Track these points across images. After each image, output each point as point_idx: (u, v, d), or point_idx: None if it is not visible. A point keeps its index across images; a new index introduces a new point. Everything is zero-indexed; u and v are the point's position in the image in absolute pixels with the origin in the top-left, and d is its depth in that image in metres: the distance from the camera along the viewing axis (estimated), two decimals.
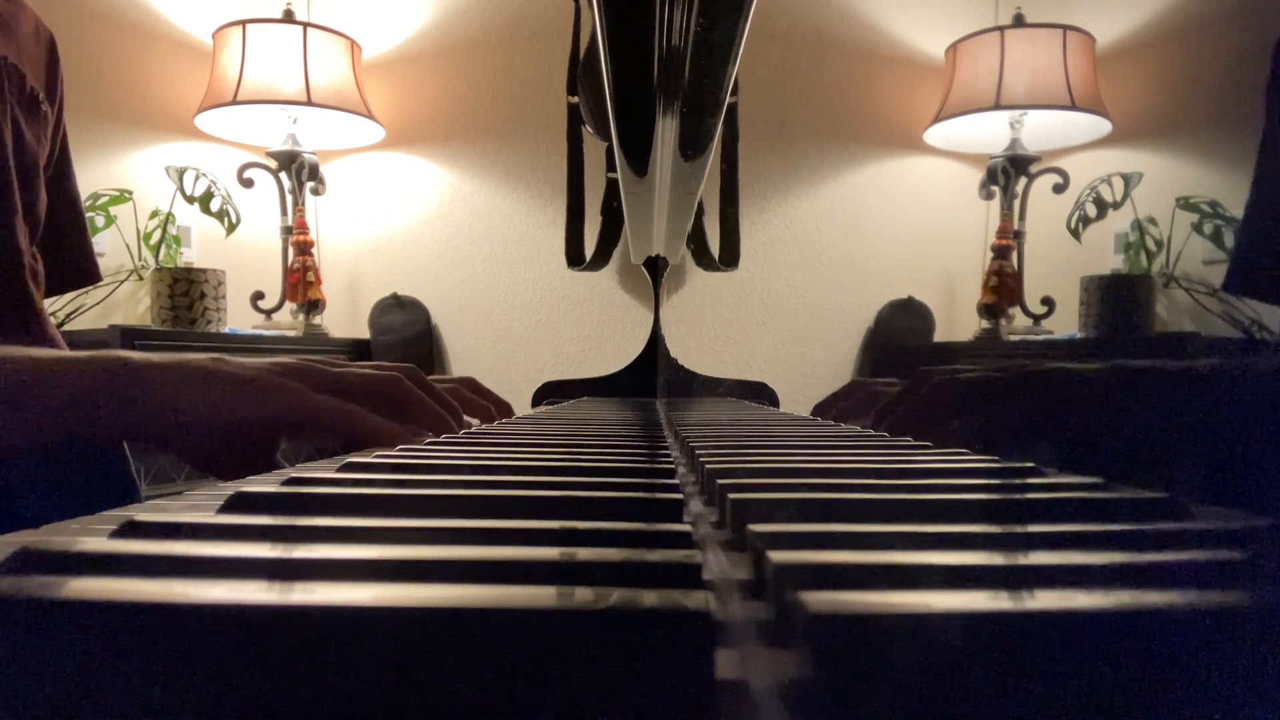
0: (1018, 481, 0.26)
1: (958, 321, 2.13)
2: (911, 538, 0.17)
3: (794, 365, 2.10)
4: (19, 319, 0.57)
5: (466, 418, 0.56)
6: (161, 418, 0.42)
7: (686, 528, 0.17)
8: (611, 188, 1.35)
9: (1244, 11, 1.73)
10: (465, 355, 2.13)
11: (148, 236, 1.81)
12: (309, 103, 1.83)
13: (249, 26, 1.82)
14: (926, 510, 0.20)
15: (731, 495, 0.21)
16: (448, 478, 0.25)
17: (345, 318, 2.14)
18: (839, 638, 0.10)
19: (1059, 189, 1.94)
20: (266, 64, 1.81)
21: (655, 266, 1.22)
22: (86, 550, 0.14)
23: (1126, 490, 0.22)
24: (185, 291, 1.74)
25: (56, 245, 0.65)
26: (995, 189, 1.98)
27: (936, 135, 2.01)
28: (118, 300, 1.84)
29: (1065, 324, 1.94)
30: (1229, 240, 1.70)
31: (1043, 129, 1.93)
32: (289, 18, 1.90)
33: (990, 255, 1.97)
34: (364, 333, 2.09)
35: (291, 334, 1.95)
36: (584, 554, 0.15)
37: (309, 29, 1.86)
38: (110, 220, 1.74)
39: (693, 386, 1.23)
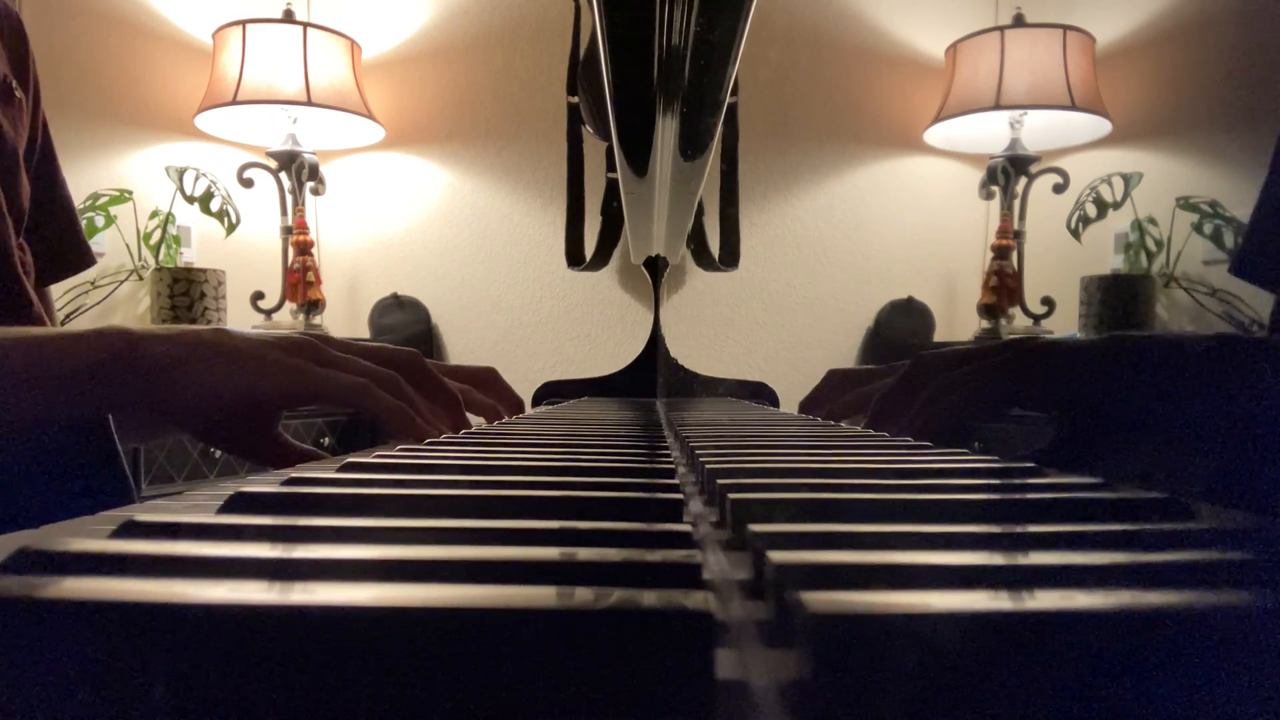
0: (1018, 481, 0.26)
1: (958, 321, 2.13)
2: (912, 538, 0.17)
3: (794, 365, 2.10)
4: (10, 311, 0.56)
5: (470, 415, 0.57)
6: (162, 389, 0.42)
7: (686, 528, 0.17)
8: (611, 188, 1.35)
9: (1244, 12, 1.73)
10: (465, 355, 2.13)
11: (148, 236, 1.81)
12: (309, 103, 1.83)
13: (249, 26, 1.82)
14: (927, 510, 0.20)
15: (731, 495, 0.21)
16: (448, 478, 0.25)
17: (345, 318, 2.14)
18: (839, 638, 0.10)
19: (1059, 189, 1.94)
20: (266, 64, 1.81)
21: (655, 266, 1.22)
22: (86, 550, 0.14)
23: (1127, 490, 0.22)
24: (185, 291, 1.75)
25: (44, 234, 0.64)
26: (995, 189, 1.98)
27: (936, 135, 2.01)
28: (118, 300, 1.84)
29: (1065, 324, 1.94)
30: (1229, 240, 1.70)
31: (1043, 129, 1.93)
32: (289, 18, 1.90)
33: (990, 255, 1.97)
34: (364, 333, 2.09)
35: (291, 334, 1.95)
36: (584, 554, 0.15)
37: (309, 29, 1.86)
38: (110, 220, 1.74)
39: (693, 387, 1.22)
